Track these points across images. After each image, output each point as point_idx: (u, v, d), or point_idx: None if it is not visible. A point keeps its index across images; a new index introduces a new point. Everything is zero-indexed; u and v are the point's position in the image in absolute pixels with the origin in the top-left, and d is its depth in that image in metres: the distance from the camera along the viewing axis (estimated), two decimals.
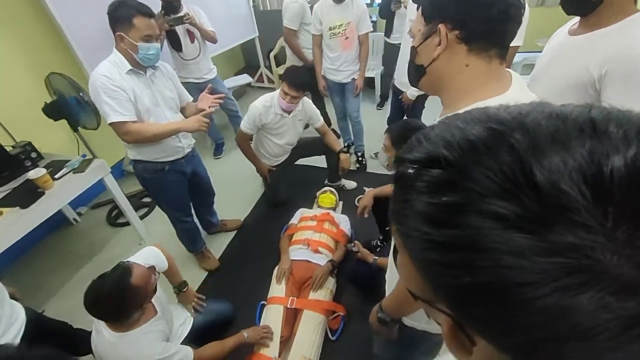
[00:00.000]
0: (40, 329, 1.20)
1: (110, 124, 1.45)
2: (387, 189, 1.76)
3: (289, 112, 2.13)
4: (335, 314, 1.70)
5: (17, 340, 1.03)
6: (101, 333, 1.13)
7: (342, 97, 2.73)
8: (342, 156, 2.25)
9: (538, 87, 1.16)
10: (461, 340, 0.24)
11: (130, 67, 1.44)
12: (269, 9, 4.71)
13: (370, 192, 1.79)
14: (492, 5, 0.58)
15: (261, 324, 1.62)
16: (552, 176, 0.17)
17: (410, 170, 0.23)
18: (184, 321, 1.49)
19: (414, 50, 0.71)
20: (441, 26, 0.62)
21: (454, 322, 0.24)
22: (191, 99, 1.80)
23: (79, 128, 2.14)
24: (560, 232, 0.16)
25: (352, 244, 1.86)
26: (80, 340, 1.34)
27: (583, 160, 0.17)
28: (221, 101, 1.73)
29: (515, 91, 0.66)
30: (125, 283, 1.07)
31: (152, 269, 1.23)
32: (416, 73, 0.72)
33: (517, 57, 1.97)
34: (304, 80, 2.01)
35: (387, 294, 0.90)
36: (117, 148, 2.82)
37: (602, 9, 0.95)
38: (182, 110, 1.76)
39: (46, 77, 1.98)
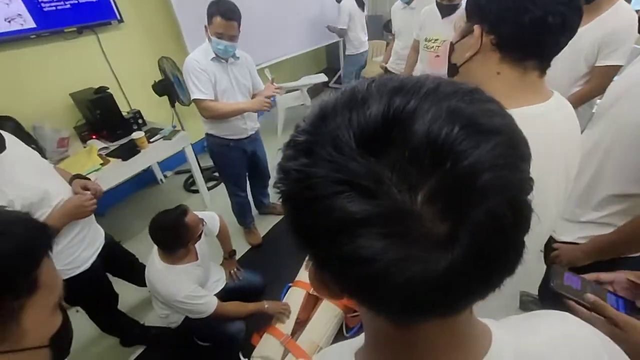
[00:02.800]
0: (114, 253, 1.52)
1: (193, 99, 1.75)
2: None
3: None
4: (355, 313, 1.72)
5: (95, 255, 1.33)
6: (154, 261, 1.39)
7: None
8: None
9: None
10: (321, 280, 0.29)
11: (214, 55, 1.70)
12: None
13: None
14: (527, 11, 0.54)
15: (283, 302, 1.74)
16: (337, 124, 0.23)
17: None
18: (218, 279, 1.70)
19: (451, 46, 0.69)
20: (477, 27, 0.60)
21: (315, 268, 0.28)
22: (263, 87, 2.00)
23: (176, 104, 2.56)
24: (333, 156, 0.22)
25: None
26: (141, 272, 1.64)
27: (360, 110, 0.23)
28: (280, 91, 1.96)
29: (554, 102, 0.62)
30: (180, 219, 1.34)
31: (201, 220, 1.48)
32: (451, 71, 0.70)
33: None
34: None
35: None
36: (203, 127, 3.30)
37: None
38: (254, 97, 1.98)
39: (159, 60, 2.43)
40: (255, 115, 2.01)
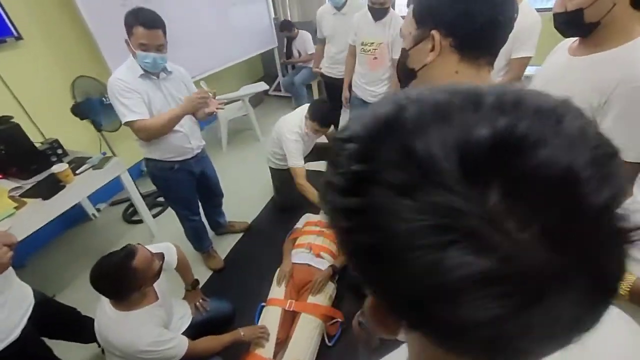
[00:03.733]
0: (48, 312, 1.27)
1: (126, 123, 1.55)
2: None
3: None
4: (334, 320, 1.69)
5: (25, 320, 1.10)
6: (104, 310, 1.19)
7: None
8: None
9: None
10: (382, 319, 0.26)
11: (142, 72, 1.53)
12: (289, 19, 4.86)
13: None
14: (481, 14, 0.58)
15: (259, 324, 1.63)
16: (428, 146, 0.18)
17: (336, 149, 0.24)
18: (183, 315, 1.53)
19: (405, 52, 0.70)
20: (435, 32, 0.61)
21: (375, 300, 0.25)
22: None
23: (102, 128, 2.28)
24: (430, 193, 0.18)
25: None
26: (87, 327, 1.40)
27: (456, 130, 0.18)
28: (223, 107, 1.84)
29: None
30: (127, 263, 1.14)
31: (158, 255, 1.30)
32: (407, 76, 0.72)
33: (531, 70, 1.92)
34: (332, 118, 2.19)
35: None
36: (137, 149, 2.99)
37: (602, 30, 0.83)
38: (194, 113, 1.83)
39: (75, 80, 2.13)
40: (198, 132, 1.86)
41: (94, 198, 2.71)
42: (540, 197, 0.17)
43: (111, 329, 1.17)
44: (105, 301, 1.20)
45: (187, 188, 1.90)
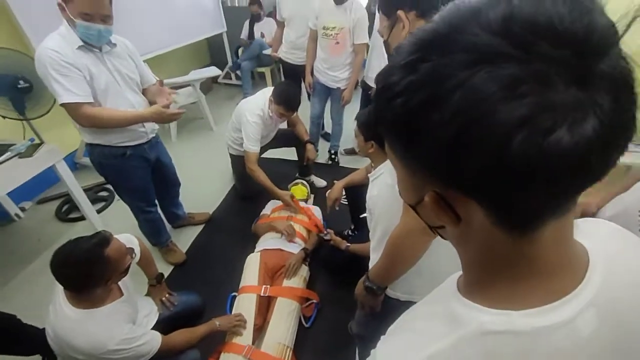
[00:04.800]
0: None
1: (62, 104, 1.32)
2: (355, 176, 1.80)
3: None
4: (309, 302, 1.70)
5: None
6: (62, 310, 1.04)
7: (322, 101, 2.65)
8: (309, 146, 2.30)
9: None
10: (446, 211, 0.29)
11: (82, 43, 1.31)
12: (237, 5, 4.66)
13: (339, 184, 1.81)
14: None
15: (232, 313, 1.57)
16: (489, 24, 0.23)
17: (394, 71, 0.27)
18: (149, 312, 1.40)
19: (386, 44, 0.81)
20: (400, 12, 0.74)
21: (436, 195, 0.28)
22: (154, 80, 1.67)
23: (26, 111, 1.94)
24: (464, 40, 0.23)
25: (326, 232, 1.88)
26: (29, 336, 1.21)
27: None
28: (176, 92, 1.71)
29: None
30: (100, 251, 1.01)
31: (130, 250, 1.18)
32: None
33: None
34: (298, 101, 2.07)
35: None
36: (70, 137, 2.62)
37: None
38: (144, 93, 1.65)
39: None
40: None
41: (15, 196, 2.31)
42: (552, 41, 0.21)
43: (74, 330, 1.02)
44: (61, 301, 1.05)
45: (142, 177, 1.72)
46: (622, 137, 0.23)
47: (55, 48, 1.27)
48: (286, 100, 1.98)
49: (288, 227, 1.85)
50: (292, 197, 2.09)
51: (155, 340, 1.16)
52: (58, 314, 1.04)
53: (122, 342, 1.05)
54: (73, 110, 1.34)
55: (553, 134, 0.21)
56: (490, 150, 0.22)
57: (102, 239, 1.05)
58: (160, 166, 1.84)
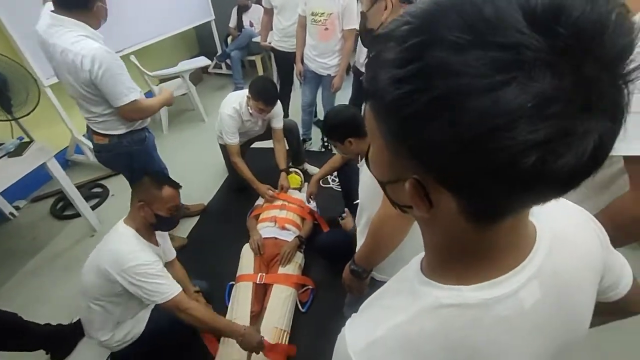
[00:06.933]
0: None
1: (129, 103, 1.42)
2: (330, 165, 1.90)
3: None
4: (305, 287, 1.74)
5: None
6: (114, 228, 1.23)
7: (313, 89, 2.63)
8: (282, 175, 2.19)
9: None
10: (422, 198, 0.29)
11: (101, 36, 1.39)
12: None
13: (314, 179, 1.92)
14: None
15: (231, 302, 1.61)
16: (497, 9, 0.21)
17: (383, 39, 0.25)
18: None
19: (363, 15, 0.78)
20: None
21: (417, 182, 0.28)
22: None
23: (13, 110, 1.92)
24: (501, 35, 0.20)
25: (344, 213, 1.89)
26: (32, 332, 1.24)
27: None
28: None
29: None
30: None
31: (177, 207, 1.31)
32: (367, 36, 0.79)
33: None
34: (276, 94, 2.03)
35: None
36: (57, 135, 2.60)
37: None
38: None
39: None
40: None
41: (9, 195, 2.31)
42: (581, 41, 0.20)
43: (118, 240, 1.18)
44: (118, 224, 1.24)
45: (157, 158, 1.80)
46: (606, 155, 0.24)
47: (104, 47, 1.34)
48: (263, 94, 1.94)
49: (258, 241, 1.81)
50: (283, 188, 2.13)
51: (174, 287, 1.18)
52: (110, 233, 1.22)
53: (147, 263, 1.13)
54: (133, 106, 1.43)
55: (564, 158, 0.21)
56: (498, 162, 0.22)
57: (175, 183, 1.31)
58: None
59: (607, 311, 0.44)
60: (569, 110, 0.20)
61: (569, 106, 0.20)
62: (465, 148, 0.22)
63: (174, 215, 1.29)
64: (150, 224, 1.24)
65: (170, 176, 1.98)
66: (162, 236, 1.39)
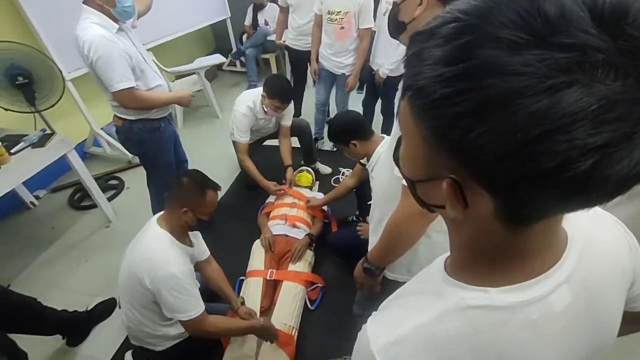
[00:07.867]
0: (6, 303, 1.13)
1: (120, 91, 1.41)
2: (336, 193, 1.92)
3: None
4: (314, 285, 1.75)
5: None
6: (149, 228, 1.17)
7: (327, 88, 2.63)
8: (289, 170, 2.21)
9: None
10: (458, 198, 0.28)
11: (117, 26, 1.38)
12: None
13: (318, 204, 1.97)
14: None
15: (240, 296, 1.63)
16: (560, 7, 0.20)
17: (425, 36, 0.25)
18: None
19: (395, 6, 0.74)
20: None
21: (454, 182, 0.27)
22: None
23: (36, 103, 1.98)
24: (565, 35, 0.20)
25: (357, 212, 1.94)
26: (50, 318, 1.28)
27: None
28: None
29: None
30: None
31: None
32: (397, 28, 0.75)
33: None
34: (291, 91, 2.07)
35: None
36: (76, 128, 2.67)
37: None
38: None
39: None
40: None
41: (30, 184, 2.39)
42: None
43: (155, 243, 1.12)
44: (152, 224, 1.18)
45: (172, 151, 1.81)
46: None
47: (107, 36, 1.34)
48: (279, 93, 1.97)
49: (269, 238, 1.82)
50: (291, 183, 2.16)
51: (201, 306, 1.15)
52: (144, 233, 1.17)
53: (182, 275, 1.08)
54: (126, 94, 1.43)
55: (620, 164, 0.20)
56: (549, 165, 0.21)
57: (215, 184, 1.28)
58: (176, 139, 1.89)
59: (634, 320, 0.43)
60: (632, 113, 0.20)
61: (632, 110, 0.20)
62: (515, 150, 0.21)
63: (213, 216, 1.28)
64: (189, 226, 1.21)
65: (187, 156, 2.06)
66: (194, 235, 1.34)
